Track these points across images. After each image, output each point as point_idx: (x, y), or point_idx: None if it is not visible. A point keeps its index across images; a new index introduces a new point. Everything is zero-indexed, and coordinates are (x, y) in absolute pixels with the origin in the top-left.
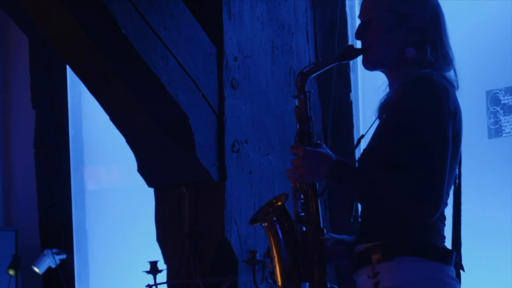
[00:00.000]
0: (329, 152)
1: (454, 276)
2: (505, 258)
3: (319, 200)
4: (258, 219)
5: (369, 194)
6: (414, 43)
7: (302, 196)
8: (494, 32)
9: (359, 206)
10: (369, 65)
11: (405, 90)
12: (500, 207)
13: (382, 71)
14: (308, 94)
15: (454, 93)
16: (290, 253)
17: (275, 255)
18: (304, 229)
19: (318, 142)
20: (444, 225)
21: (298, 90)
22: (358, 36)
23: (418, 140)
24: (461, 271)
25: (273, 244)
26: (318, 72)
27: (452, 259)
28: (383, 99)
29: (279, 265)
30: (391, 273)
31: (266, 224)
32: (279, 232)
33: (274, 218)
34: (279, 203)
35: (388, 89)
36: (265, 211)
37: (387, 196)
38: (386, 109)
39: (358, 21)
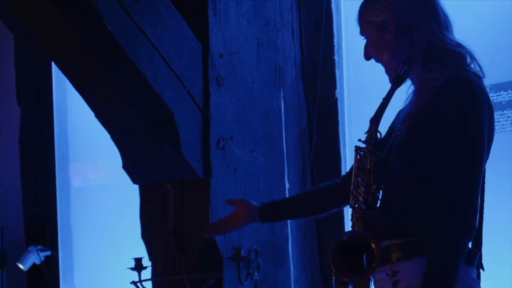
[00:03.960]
0: None
1: (476, 277)
2: (506, 254)
3: None
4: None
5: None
6: (405, 43)
7: None
8: (480, 30)
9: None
10: (389, 76)
11: (443, 96)
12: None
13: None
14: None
15: (486, 89)
16: None
17: None
18: None
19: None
20: None
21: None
22: (364, 56)
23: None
24: (481, 270)
25: None
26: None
27: (476, 260)
28: (410, 106)
29: None
30: (412, 273)
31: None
32: None
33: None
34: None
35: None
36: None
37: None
38: (419, 116)
39: (343, 18)
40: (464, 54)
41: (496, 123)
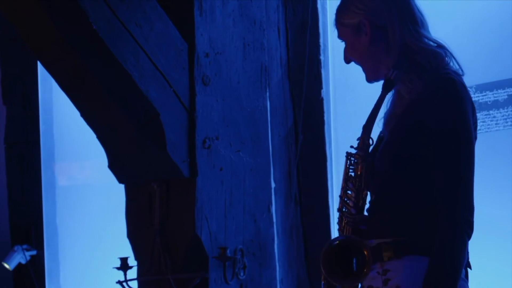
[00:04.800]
0: None
1: (464, 276)
2: (503, 253)
3: None
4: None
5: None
6: (381, 45)
7: None
8: (465, 30)
9: (367, 200)
10: (369, 79)
11: (426, 96)
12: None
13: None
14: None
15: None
16: None
17: None
18: None
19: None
20: None
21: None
22: (344, 59)
23: (449, 155)
24: (468, 269)
25: None
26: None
27: None
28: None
29: None
30: (402, 272)
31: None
32: None
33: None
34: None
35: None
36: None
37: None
38: (409, 114)
39: (329, 18)
40: (442, 53)
41: (481, 123)
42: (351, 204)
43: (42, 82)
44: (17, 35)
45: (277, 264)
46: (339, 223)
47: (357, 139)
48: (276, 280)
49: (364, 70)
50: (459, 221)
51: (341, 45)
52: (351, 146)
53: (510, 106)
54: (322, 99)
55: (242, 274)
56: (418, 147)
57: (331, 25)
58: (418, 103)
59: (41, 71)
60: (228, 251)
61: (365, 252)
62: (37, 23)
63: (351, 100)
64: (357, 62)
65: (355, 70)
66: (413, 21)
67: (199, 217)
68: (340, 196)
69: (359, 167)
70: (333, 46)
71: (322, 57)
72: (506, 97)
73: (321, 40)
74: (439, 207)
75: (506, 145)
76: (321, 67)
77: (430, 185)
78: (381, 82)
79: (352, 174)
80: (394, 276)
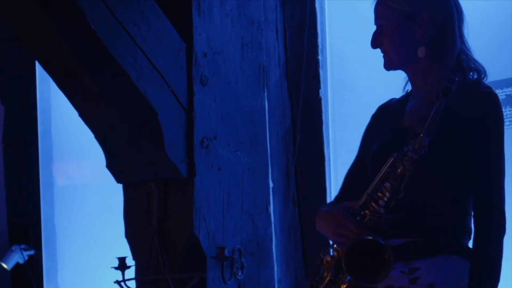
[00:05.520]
0: None
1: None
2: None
3: None
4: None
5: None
6: (428, 41)
7: None
8: (464, 31)
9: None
10: (387, 66)
11: (480, 110)
12: None
13: (405, 71)
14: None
15: None
16: None
17: None
18: None
19: None
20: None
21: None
22: (371, 41)
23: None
24: None
25: None
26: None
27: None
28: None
29: None
30: (436, 270)
31: None
32: None
33: None
34: None
35: (409, 89)
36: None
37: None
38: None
39: (328, 18)
40: (483, 67)
41: None
42: (381, 203)
43: (40, 82)
44: (15, 35)
45: (275, 264)
46: (359, 218)
47: (412, 140)
48: (274, 280)
49: (390, 57)
50: (500, 223)
51: (340, 45)
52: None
53: (508, 106)
54: (320, 99)
55: (240, 274)
56: (460, 154)
57: (329, 25)
58: (460, 111)
59: (39, 71)
60: (226, 251)
61: (387, 256)
62: (35, 23)
63: (349, 100)
64: (387, 49)
65: (354, 70)
66: (463, 27)
67: (197, 216)
68: (368, 193)
69: (405, 168)
70: (331, 46)
71: (320, 57)
72: (504, 97)
73: (319, 40)
74: (482, 207)
75: (506, 145)
76: (319, 67)
77: (462, 188)
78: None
79: (392, 173)
80: (425, 274)
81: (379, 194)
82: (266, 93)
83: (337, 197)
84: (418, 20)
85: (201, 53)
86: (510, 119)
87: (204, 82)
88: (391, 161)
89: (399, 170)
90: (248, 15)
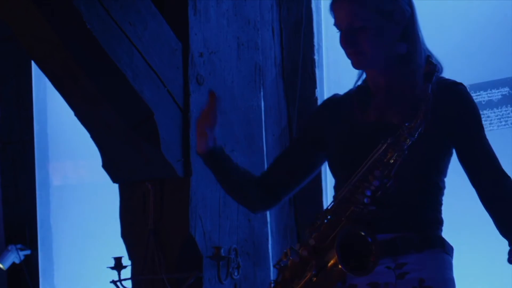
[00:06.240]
0: None
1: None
2: (501, 251)
3: None
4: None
5: None
6: (402, 38)
7: None
8: (459, 30)
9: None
10: (360, 66)
11: (458, 102)
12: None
13: (370, 70)
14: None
15: None
16: None
17: None
18: None
19: None
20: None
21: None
22: (347, 44)
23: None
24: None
25: None
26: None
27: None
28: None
29: None
30: (425, 266)
31: None
32: None
33: None
34: None
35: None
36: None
37: None
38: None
39: (324, 18)
40: (439, 64)
41: None
42: (368, 193)
43: (36, 82)
44: (11, 34)
45: (271, 263)
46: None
47: (407, 124)
48: (270, 280)
49: (366, 57)
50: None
51: (336, 44)
52: (404, 127)
53: (504, 106)
54: (316, 99)
55: (236, 273)
56: (445, 142)
57: (325, 24)
58: (437, 105)
59: (35, 71)
60: (222, 251)
61: (372, 247)
62: (31, 22)
63: None
64: (365, 50)
65: (349, 70)
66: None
67: (193, 216)
68: (352, 183)
69: (398, 154)
70: (327, 45)
71: (316, 57)
72: (500, 96)
73: (315, 40)
74: (493, 179)
75: (500, 145)
76: (315, 66)
77: (442, 178)
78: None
79: (382, 161)
80: (413, 269)
81: (366, 184)
82: (262, 93)
83: (262, 175)
84: (395, 16)
85: (197, 53)
86: (510, 119)
87: (200, 82)
88: (383, 147)
89: (390, 155)
90: (244, 15)
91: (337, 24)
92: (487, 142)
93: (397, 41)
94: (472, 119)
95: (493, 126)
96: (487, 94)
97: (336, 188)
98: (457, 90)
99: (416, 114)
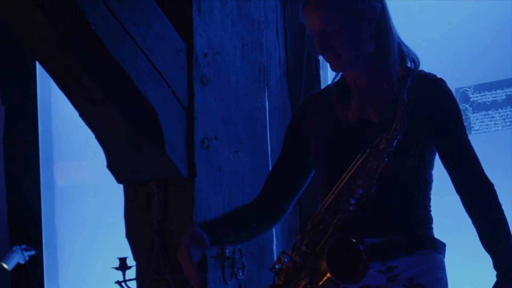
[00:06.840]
0: None
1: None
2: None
3: None
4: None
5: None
6: (375, 35)
7: None
8: (464, 31)
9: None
10: (339, 68)
11: (437, 96)
12: None
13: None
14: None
15: None
16: None
17: None
18: None
19: None
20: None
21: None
22: (323, 49)
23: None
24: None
25: None
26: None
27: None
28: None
29: None
30: (413, 267)
31: None
32: None
33: None
34: None
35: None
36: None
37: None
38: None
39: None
40: (417, 60)
41: (480, 124)
42: (352, 201)
43: (40, 82)
44: (15, 35)
45: None
46: (317, 222)
47: (386, 134)
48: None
49: (342, 59)
50: (494, 193)
51: None
52: (382, 137)
53: (509, 106)
54: None
55: (240, 274)
56: (423, 147)
57: None
58: (417, 103)
59: (39, 71)
60: (226, 251)
61: (363, 255)
62: (35, 23)
63: None
64: (340, 52)
65: None
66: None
67: (197, 217)
68: (335, 192)
69: (378, 162)
70: None
71: (320, 57)
72: (504, 97)
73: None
74: (472, 182)
75: (505, 145)
76: (319, 67)
77: (426, 179)
78: None
79: (364, 169)
80: (404, 270)
81: (349, 193)
82: (266, 93)
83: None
84: (366, 15)
85: (202, 53)
86: (510, 119)
87: (204, 82)
88: (363, 157)
89: (370, 164)
90: (249, 15)
91: (310, 30)
92: (469, 145)
93: (373, 38)
94: (453, 119)
95: (497, 127)
96: (491, 94)
97: (322, 194)
98: (437, 87)
99: (393, 123)
